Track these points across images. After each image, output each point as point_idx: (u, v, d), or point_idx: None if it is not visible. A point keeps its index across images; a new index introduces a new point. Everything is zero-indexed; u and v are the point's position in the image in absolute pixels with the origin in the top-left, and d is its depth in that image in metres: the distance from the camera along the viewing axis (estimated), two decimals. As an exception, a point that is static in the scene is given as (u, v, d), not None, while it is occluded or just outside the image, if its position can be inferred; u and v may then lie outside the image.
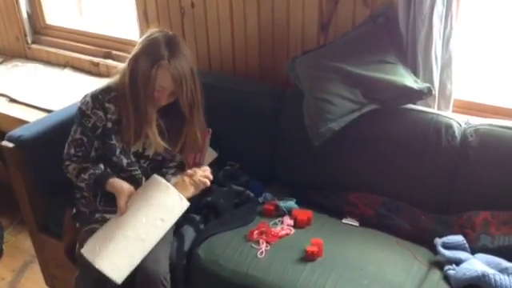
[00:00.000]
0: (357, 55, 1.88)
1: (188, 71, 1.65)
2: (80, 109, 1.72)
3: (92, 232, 1.63)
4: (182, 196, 1.64)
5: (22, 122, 2.45)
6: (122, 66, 1.75)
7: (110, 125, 1.72)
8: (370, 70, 1.84)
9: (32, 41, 3.22)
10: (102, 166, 1.76)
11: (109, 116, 1.71)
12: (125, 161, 1.76)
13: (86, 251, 1.55)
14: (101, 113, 1.70)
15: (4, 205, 2.70)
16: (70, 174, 1.77)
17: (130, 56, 1.69)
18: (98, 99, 1.70)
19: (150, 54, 1.63)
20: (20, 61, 3.22)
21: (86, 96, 1.73)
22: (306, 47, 2.13)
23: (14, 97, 2.78)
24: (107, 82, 1.76)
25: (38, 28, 3.22)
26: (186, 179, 1.71)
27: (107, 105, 1.71)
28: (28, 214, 2.08)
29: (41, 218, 2.09)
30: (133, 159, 1.78)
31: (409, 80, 1.82)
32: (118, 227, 1.58)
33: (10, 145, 1.97)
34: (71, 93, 2.61)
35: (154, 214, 1.60)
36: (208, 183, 1.73)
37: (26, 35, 3.19)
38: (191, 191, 1.71)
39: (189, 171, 1.74)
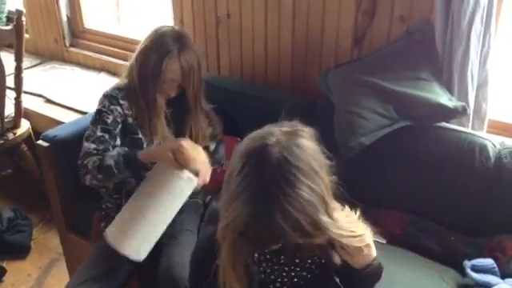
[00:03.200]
0: (391, 70, 1.86)
1: (196, 64, 1.72)
2: (98, 109, 1.74)
3: None
4: (191, 176, 1.59)
5: (56, 123, 2.51)
6: (128, 63, 1.80)
7: (130, 120, 1.75)
8: (404, 86, 1.82)
9: (70, 44, 3.31)
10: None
11: (126, 112, 1.74)
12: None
13: (111, 237, 1.56)
14: (119, 108, 1.73)
15: (35, 202, 2.76)
16: (89, 171, 1.64)
17: (137, 51, 1.75)
18: (112, 96, 1.74)
19: (160, 48, 1.68)
20: (57, 63, 3.32)
21: (100, 98, 1.77)
22: (339, 60, 2.12)
23: (49, 97, 2.86)
24: (115, 82, 1.82)
25: (77, 32, 3.31)
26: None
27: (121, 101, 1.74)
28: (58, 212, 2.12)
29: (70, 217, 2.13)
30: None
31: (443, 98, 1.79)
32: (137, 212, 1.59)
33: (45, 144, 2.02)
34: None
35: (166, 196, 1.59)
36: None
37: (64, 38, 3.28)
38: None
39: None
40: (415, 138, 1.84)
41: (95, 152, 1.66)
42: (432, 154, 1.81)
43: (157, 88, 1.71)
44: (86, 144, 1.69)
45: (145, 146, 1.77)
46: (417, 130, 1.82)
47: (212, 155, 1.87)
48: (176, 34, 1.72)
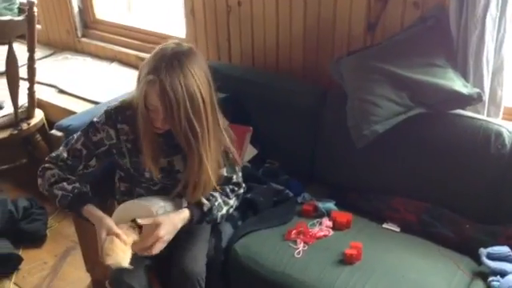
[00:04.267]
0: (405, 57, 1.84)
1: (187, 93, 1.40)
2: (92, 122, 1.62)
3: None
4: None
5: (69, 113, 2.53)
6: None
7: (129, 146, 1.61)
8: (419, 73, 1.80)
9: (82, 34, 3.32)
10: (88, 187, 1.63)
11: (123, 137, 1.60)
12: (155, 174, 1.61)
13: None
14: (112, 131, 1.59)
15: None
16: (43, 179, 1.59)
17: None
18: (111, 118, 1.59)
19: (147, 66, 1.44)
20: (70, 53, 3.33)
21: (102, 111, 1.62)
22: (351, 47, 2.10)
23: (62, 88, 2.87)
24: (129, 93, 1.62)
25: (88, 22, 3.31)
26: (116, 241, 1.47)
27: (119, 126, 1.59)
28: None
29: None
30: (159, 175, 1.62)
31: (458, 84, 1.77)
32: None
33: (59, 133, 2.03)
34: (118, 86, 2.68)
35: None
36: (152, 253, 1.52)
37: (76, 29, 3.29)
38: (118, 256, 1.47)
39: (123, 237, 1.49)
40: (429, 125, 1.82)
41: (61, 164, 1.60)
42: (447, 142, 1.79)
43: (143, 115, 1.48)
44: (61, 148, 1.63)
45: (147, 168, 1.60)
46: (431, 117, 1.80)
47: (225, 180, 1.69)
48: (172, 54, 1.42)
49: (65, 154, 1.61)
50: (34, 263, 2.41)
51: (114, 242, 1.49)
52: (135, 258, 1.62)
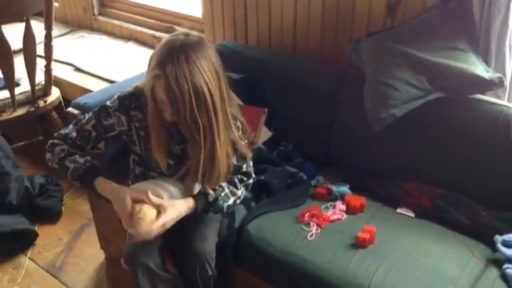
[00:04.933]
0: (425, 40, 1.80)
1: (193, 89, 1.38)
2: (105, 105, 1.60)
3: None
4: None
5: (85, 91, 2.54)
6: None
7: (142, 133, 1.60)
8: (439, 57, 1.76)
9: (98, 13, 3.32)
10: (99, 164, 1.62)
11: (135, 124, 1.59)
12: (169, 161, 1.62)
13: None
14: (123, 118, 1.58)
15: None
16: (53, 154, 1.60)
17: None
18: (123, 104, 1.58)
19: (155, 58, 1.42)
20: (86, 32, 3.34)
21: (116, 95, 1.61)
22: (371, 29, 2.06)
23: (79, 66, 2.88)
24: (142, 78, 1.57)
25: (105, 0, 3.31)
26: (146, 209, 1.48)
27: (132, 112, 1.58)
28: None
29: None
30: (171, 162, 1.63)
31: (479, 69, 1.73)
32: None
33: (76, 111, 2.04)
34: (134, 65, 2.69)
35: None
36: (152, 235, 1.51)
37: (93, 7, 3.29)
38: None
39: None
40: (449, 110, 1.79)
41: (70, 142, 1.60)
42: (466, 127, 1.76)
43: (151, 107, 1.48)
44: (71, 127, 1.63)
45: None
46: (451, 101, 1.77)
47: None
48: (179, 46, 1.40)
49: (74, 134, 1.61)
50: (50, 239, 2.45)
51: (143, 210, 1.48)
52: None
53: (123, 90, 1.63)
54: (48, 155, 1.62)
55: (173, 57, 1.39)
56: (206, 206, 1.61)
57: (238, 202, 1.70)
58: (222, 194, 1.63)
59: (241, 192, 1.69)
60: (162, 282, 1.65)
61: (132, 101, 1.58)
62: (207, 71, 1.42)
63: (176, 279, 1.69)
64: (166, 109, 1.47)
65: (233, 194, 1.66)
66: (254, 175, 1.74)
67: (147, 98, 1.48)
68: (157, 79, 1.41)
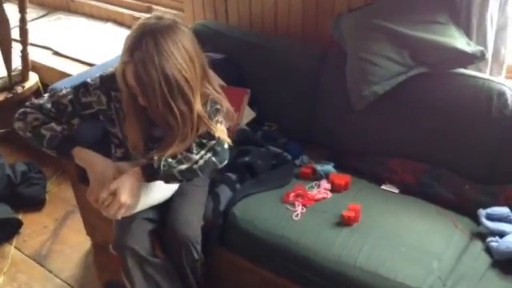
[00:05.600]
0: (406, 14, 1.78)
1: (162, 76, 1.35)
2: (86, 81, 1.56)
3: None
4: None
5: (64, 75, 2.49)
6: None
7: (122, 114, 1.56)
8: (420, 31, 1.75)
9: (75, -6, 3.23)
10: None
11: (115, 105, 1.56)
12: (149, 144, 1.59)
13: None
14: (104, 98, 1.55)
15: (47, 156, 2.76)
16: (25, 122, 1.54)
17: None
18: (105, 85, 1.55)
19: (126, 43, 1.40)
20: (63, 13, 3.25)
21: (97, 74, 1.58)
22: (352, 5, 2.03)
23: (57, 49, 2.82)
24: None
25: (81, -19, 3.22)
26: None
27: (114, 93, 1.55)
28: (69, 164, 2.12)
29: (82, 168, 2.12)
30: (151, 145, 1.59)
31: (461, 42, 1.72)
32: None
33: (53, 97, 1.99)
34: (113, 47, 2.62)
35: None
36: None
37: (69, -12, 3.20)
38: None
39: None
40: (430, 85, 1.78)
41: (44, 112, 1.54)
42: (447, 102, 1.76)
43: (124, 91, 1.46)
44: (45, 97, 1.57)
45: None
46: (432, 76, 1.77)
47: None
48: (150, 31, 1.36)
49: (49, 105, 1.55)
50: (35, 227, 2.42)
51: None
52: (138, 223, 1.62)
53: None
54: (19, 123, 1.56)
55: (141, 43, 1.35)
56: (151, 171, 1.49)
57: (196, 167, 1.53)
58: (169, 160, 1.49)
59: (199, 156, 1.54)
60: (150, 267, 1.64)
61: (114, 81, 1.53)
62: (178, 57, 1.37)
63: (165, 263, 1.68)
64: (138, 94, 1.44)
65: (187, 159, 1.52)
66: (217, 135, 1.56)
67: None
68: (126, 65, 1.38)
